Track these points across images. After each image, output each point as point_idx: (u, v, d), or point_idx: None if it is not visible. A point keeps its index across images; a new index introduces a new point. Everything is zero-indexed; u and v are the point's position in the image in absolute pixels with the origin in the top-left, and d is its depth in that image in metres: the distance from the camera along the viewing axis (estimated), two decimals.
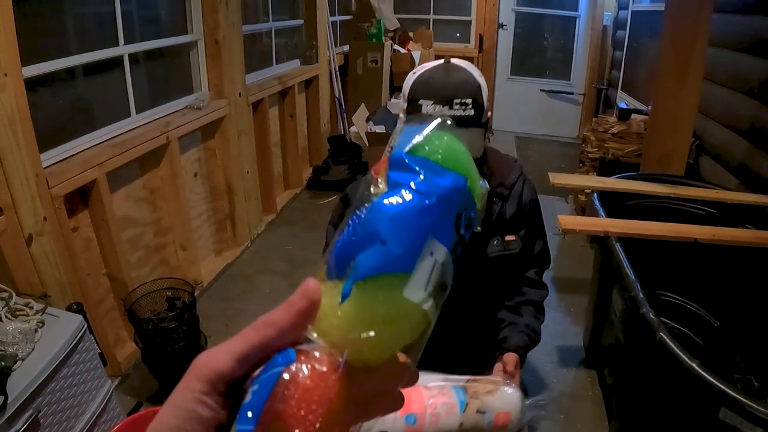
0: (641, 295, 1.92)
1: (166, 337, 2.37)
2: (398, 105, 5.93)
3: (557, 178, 2.95)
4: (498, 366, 1.61)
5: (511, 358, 1.58)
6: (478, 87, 1.44)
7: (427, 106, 1.40)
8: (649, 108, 4.58)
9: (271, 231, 4.24)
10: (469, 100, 1.40)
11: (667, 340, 1.67)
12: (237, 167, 3.68)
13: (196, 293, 3.04)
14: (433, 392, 1.45)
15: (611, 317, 2.30)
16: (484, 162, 1.62)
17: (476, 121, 1.42)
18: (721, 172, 3.55)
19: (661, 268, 2.71)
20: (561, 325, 3.23)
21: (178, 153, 3.04)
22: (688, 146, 3.44)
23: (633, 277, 2.04)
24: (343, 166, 5.19)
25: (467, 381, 1.51)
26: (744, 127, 3.31)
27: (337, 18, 5.99)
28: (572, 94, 7.14)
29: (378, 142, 4.96)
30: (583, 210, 4.41)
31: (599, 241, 2.47)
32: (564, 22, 7.20)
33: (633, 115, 4.30)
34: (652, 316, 1.79)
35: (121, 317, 2.67)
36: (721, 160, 3.59)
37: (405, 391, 1.41)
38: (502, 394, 1.48)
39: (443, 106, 1.39)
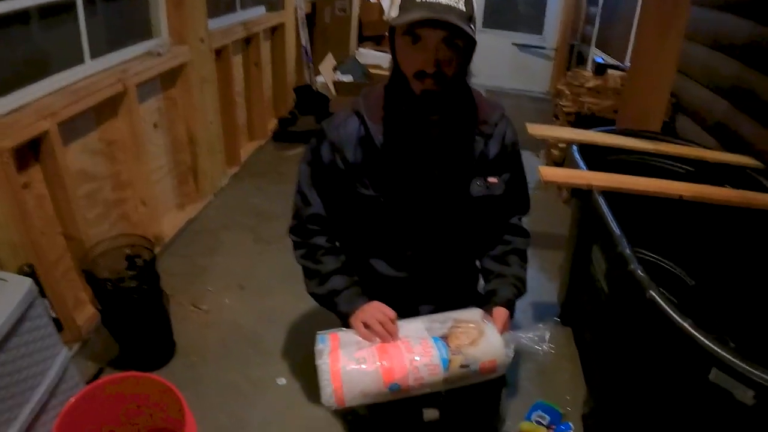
0: (628, 251, 1.84)
1: (126, 297, 2.22)
2: (369, 54, 5.79)
3: (535, 129, 2.84)
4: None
5: (501, 313, 1.54)
6: None
7: None
8: (625, 64, 4.52)
9: (236, 184, 4.08)
10: None
11: (658, 298, 1.59)
12: (200, 117, 3.50)
13: (157, 250, 2.91)
14: (415, 350, 1.40)
15: (593, 273, 2.24)
16: (469, 96, 1.55)
17: (469, 19, 1.34)
18: (698, 131, 3.51)
19: (636, 224, 2.65)
20: (536, 281, 3.17)
21: (136, 102, 2.85)
22: (665, 104, 3.38)
23: (619, 233, 1.96)
24: (309, 117, 5.03)
25: (450, 328, 1.47)
26: (725, 87, 3.25)
27: None
28: (544, 48, 7.05)
29: (345, 91, 4.80)
30: (557, 165, 4.34)
31: (579, 195, 2.39)
32: None
33: (609, 71, 4.21)
34: (641, 273, 1.71)
35: (80, 278, 2.51)
36: (698, 119, 3.54)
37: (386, 354, 1.40)
38: (485, 344, 1.44)
39: None
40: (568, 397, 2.39)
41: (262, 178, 4.20)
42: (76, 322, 2.44)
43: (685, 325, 1.48)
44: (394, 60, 1.44)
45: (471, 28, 1.32)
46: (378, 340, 1.45)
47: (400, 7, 1.34)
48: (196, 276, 3.02)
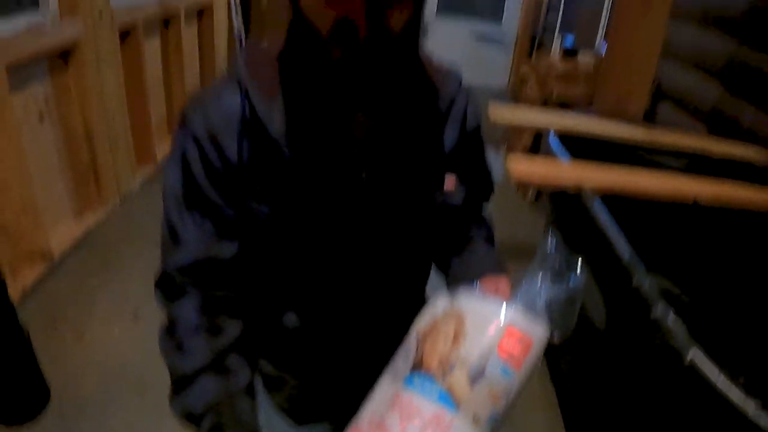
0: (647, 286, 1.32)
1: None
2: None
3: (499, 113, 2.28)
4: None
5: (502, 280, 1.01)
6: None
7: None
8: (597, 48, 4.08)
9: (149, 187, 3.46)
10: None
11: (701, 368, 1.09)
12: (98, 106, 2.92)
13: (43, 268, 2.51)
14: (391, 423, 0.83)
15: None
16: (420, 67, 0.99)
17: None
18: (685, 119, 3.06)
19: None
20: None
21: (6, 88, 2.29)
22: (649, 85, 2.94)
23: (630, 254, 1.44)
24: None
25: (417, 349, 0.89)
26: (718, 68, 2.82)
27: None
28: (503, 39, 6.64)
29: None
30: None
31: (558, 196, 1.86)
32: None
33: (579, 55, 3.74)
34: (674, 325, 1.21)
35: None
36: (686, 105, 3.09)
37: None
38: (476, 323, 0.87)
39: None
40: None
41: None
42: None
43: (743, 406, 1.00)
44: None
45: None
46: None
47: None
48: (84, 300, 2.44)
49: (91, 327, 2.29)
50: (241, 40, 4.84)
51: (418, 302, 1.16)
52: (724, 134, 2.64)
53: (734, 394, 1.01)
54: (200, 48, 4.44)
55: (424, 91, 1.00)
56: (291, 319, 1.06)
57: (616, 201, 1.71)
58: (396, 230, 1.03)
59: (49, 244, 2.62)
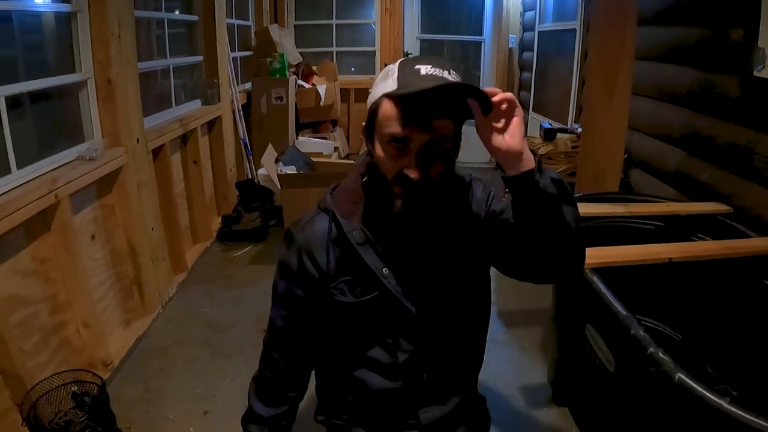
0: (641, 333, 1.68)
1: None
2: (308, 142, 5.65)
3: None
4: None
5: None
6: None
7: (425, 69, 1.14)
8: (571, 126, 4.52)
9: (184, 293, 3.74)
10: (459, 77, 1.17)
11: (689, 381, 1.45)
12: (140, 224, 3.23)
13: (106, 376, 2.60)
14: None
15: (589, 351, 2.06)
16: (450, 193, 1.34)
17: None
18: (654, 182, 3.48)
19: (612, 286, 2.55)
20: (517, 363, 2.98)
21: (70, 213, 2.59)
22: (621, 162, 3.33)
23: (626, 314, 1.80)
24: (254, 213, 4.78)
25: None
26: (676, 136, 3.25)
27: (237, 54, 5.60)
28: None
29: (290, 184, 4.56)
30: None
31: None
32: (469, 47, 7.22)
33: (558, 135, 4.17)
34: (662, 356, 1.56)
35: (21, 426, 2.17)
36: (654, 170, 3.52)
37: None
38: None
39: (443, 70, 1.14)
40: None
41: (211, 283, 3.89)
42: None
43: (719, 402, 1.38)
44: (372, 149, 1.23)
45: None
46: None
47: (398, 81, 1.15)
48: (152, 403, 2.67)
49: (166, 428, 2.51)
50: (246, 144, 5.25)
51: (479, 352, 1.48)
52: (688, 193, 3.05)
53: (712, 396, 1.39)
54: (212, 156, 4.82)
55: (463, 204, 1.36)
56: (368, 375, 1.38)
57: (609, 271, 2.09)
58: (454, 290, 1.35)
59: (109, 353, 2.89)
